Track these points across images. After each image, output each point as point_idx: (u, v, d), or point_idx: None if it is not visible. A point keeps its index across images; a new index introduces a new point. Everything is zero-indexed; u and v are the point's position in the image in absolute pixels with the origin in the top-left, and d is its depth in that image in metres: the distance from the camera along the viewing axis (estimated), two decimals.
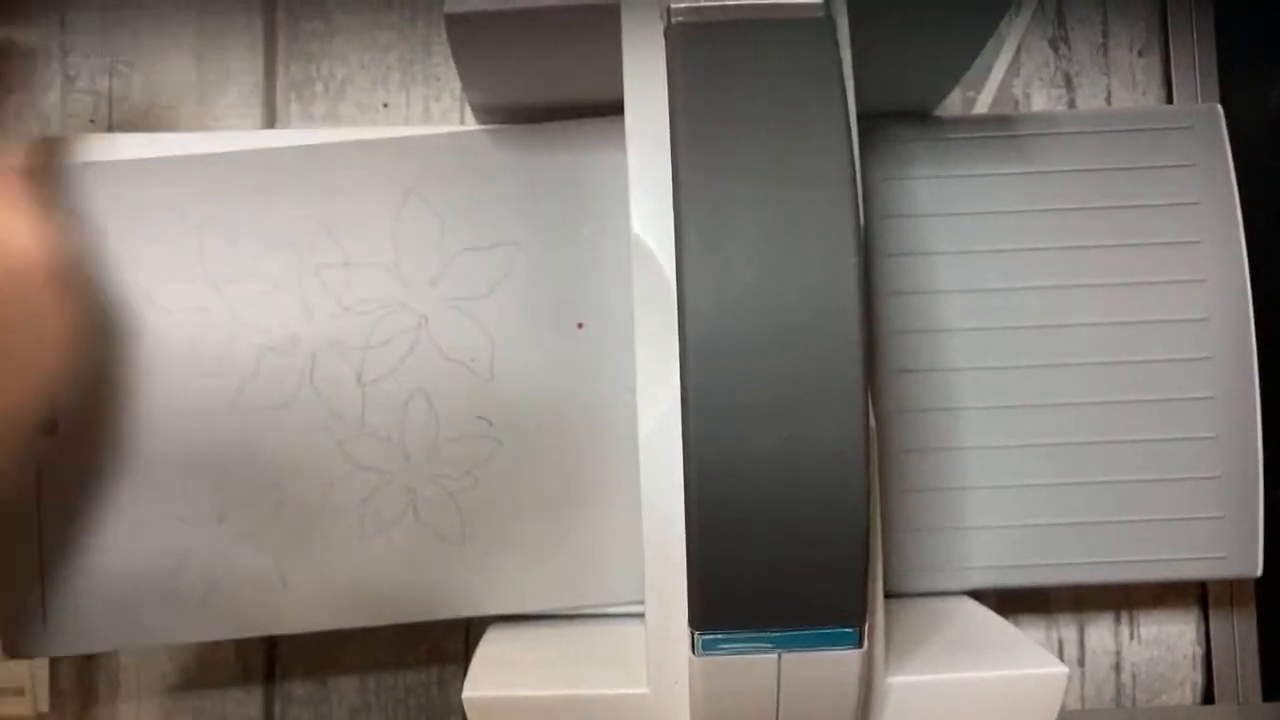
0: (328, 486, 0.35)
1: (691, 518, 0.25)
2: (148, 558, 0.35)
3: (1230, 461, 0.37)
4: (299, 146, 0.36)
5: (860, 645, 0.26)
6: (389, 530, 0.35)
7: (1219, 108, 0.38)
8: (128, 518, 0.35)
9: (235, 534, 0.35)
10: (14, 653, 0.34)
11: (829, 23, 0.28)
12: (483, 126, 0.37)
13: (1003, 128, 0.38)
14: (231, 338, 0.36)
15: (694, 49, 0.27)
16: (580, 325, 0.36)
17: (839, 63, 0.27)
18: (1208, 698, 0.41)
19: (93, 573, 0.35)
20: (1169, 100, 0.43)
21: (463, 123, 0.41)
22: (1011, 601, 0.40)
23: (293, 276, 0.36)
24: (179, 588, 0.35)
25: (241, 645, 0.40)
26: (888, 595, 0.34)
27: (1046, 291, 0.37)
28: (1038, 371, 0.37)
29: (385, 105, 0.42)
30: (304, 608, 0.35)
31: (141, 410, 0.35)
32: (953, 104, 0.42)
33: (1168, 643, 0.41)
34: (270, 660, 0.40)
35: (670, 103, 0.27)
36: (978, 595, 0.37)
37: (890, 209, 0.38)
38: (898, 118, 0.38)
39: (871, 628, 0.28)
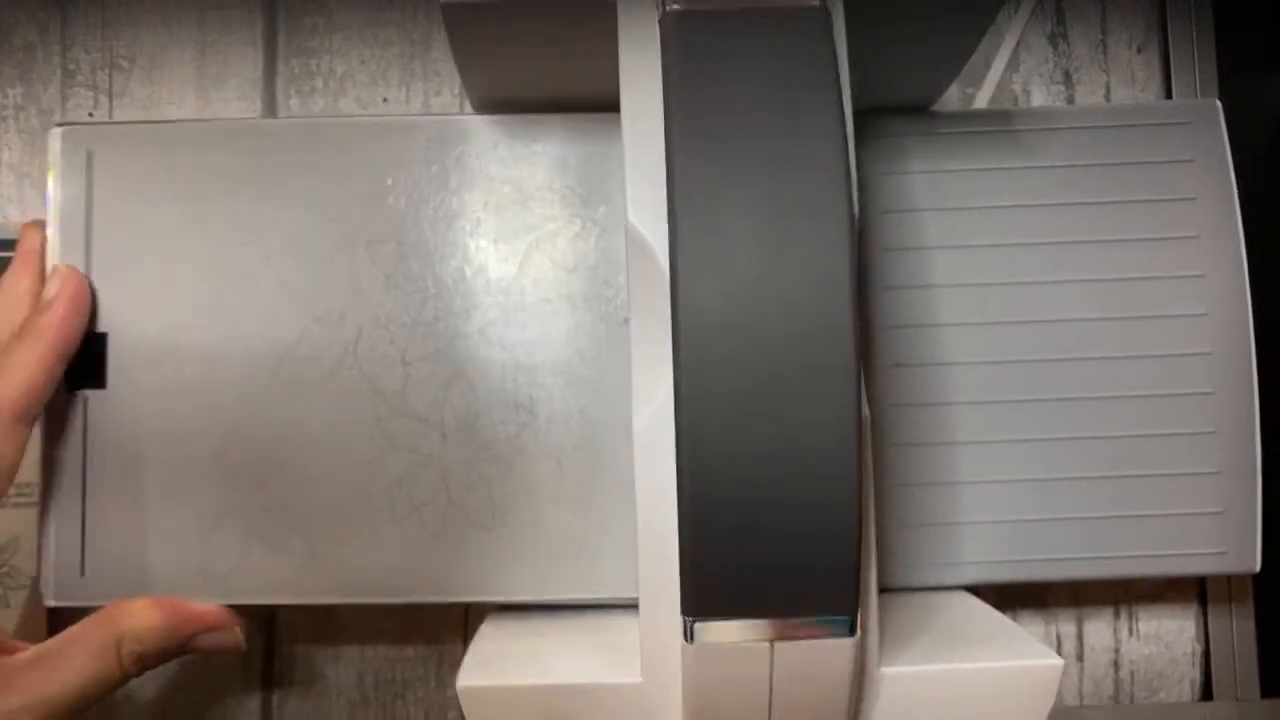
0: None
1: (684, 506, 0.26)
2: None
3: (1229, 457, 0.37)
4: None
5: (853, 634, 0.26)
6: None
7: (1218, 103, 0.38)
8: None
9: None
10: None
11: (824, 14, 0.28)
12: (492, 116, 0.37)
13: (1000, 123, 0.38)
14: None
15: (688, 39, 0.27)
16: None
17: (834, 54, 0.27)
18: (1206, 694, 0.41)
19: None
20: (1168, 97, 0.42)
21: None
22: (1009, 597, 0.40)
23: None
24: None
25: None
26: (884, 590, 0.34)
27: (1044, 286, 0.37)
28: (1034, 366, 0.37)
29: (385, 100, 0.42)
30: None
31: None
32: (951, 101, 0.42)
33: (1166, 639, 0.41)
34: (269, 653, 0.40)
35: (665, 93, 0.27)
36: (975, 590, 0.37)
37: (886, 204, 0.38)
38: (894, 112, 0.38)
39: (865, 617, 0.28)
